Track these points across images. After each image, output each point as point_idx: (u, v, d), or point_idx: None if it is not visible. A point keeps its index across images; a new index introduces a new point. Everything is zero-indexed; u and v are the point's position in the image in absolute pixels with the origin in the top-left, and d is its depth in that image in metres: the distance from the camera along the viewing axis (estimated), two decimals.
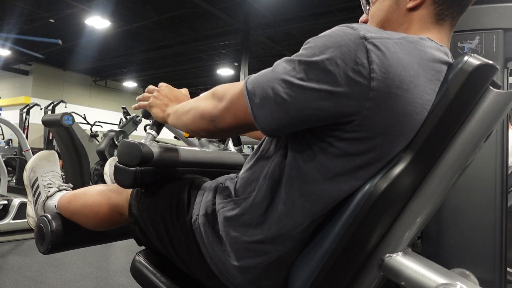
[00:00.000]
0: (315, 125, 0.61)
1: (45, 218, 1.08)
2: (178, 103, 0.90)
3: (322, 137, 0.62)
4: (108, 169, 1.46)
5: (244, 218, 0.70)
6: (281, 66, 0.62)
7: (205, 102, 0.74)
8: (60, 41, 9.50)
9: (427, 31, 0.68)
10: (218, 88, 0.74)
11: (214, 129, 0.71)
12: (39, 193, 1.20)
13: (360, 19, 0.80)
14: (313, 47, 0.60)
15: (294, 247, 0.67)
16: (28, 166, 1.24)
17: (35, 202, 1.21)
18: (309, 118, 0.60)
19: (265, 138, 0.78)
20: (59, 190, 1.20)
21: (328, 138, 0.61)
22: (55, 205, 1.14)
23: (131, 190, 0.94)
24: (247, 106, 0.64)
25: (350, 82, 0.56)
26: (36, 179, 1.22)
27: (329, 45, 0.58)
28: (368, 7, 0.76)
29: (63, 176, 6.61)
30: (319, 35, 0.62)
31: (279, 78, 0.61)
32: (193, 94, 0.88)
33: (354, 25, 0.59)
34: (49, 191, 1.19)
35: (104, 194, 1.01)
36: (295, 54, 0.62)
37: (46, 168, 1.25)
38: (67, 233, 1.08)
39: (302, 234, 0.66)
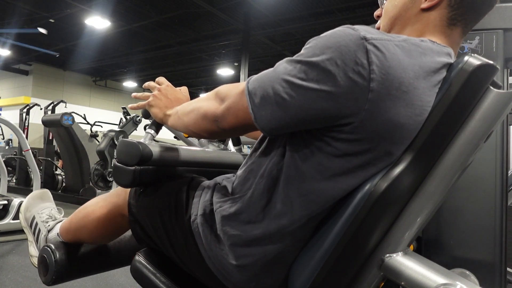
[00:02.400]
0: (314, 127, 0.61)
1: (48, 248, 1.04)
2: (179, 104, 0.90)
3: (320, 137, 0.62)
4: None
5: (242, 216, 0.70)
6: (282, 66, 0.63)
7: (208, 103, 0.74)
8: (57, 54, 9.47)
9: (437, 34, 0.68)
10: (221, 89, 0.74)
11: (216, 129, 0.72)
12: (39, 230, 1.16)
13: (375, 13, 0.80)
14: (313, 47, 0.60)
15: (293, 245, 0.67)
16: (22, 207, 1.21)
17: (37, 241, 1.16)
18: (308, 118, 0.60)
19: (263, 136, 0.77)
20: (59, 222, 1.16)
21: (327, 138, 0.61)
22: (57, 233, 1.11)
23: (129, 190, 0.94)
24: (248, 106, 0.64)
25: (349, 83, 0.56)
26: (33, 218, 1.19)
27: (330, 45, 0.58)
28: (384, 1, 0.76)
29: (63, 176, 6.61)
30: (321, 35, 0.62)
31: (280, 78, 0.61)
32: (193, 94, 0.88)
33: (356, 26, 0.60)
34: (48, 225, 1.15)
35: (102, 199, 1.01)
36: (297, 54, 0.63)
37: (41, 206, 1.23)
38: (72, 262, 1.05)
39: (300, 232, 0.66)
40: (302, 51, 0.62)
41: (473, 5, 0.67)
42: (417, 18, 0.69)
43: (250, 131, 0.70)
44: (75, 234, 1.05)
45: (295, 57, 0.62)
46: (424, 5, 0.68)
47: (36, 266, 1.13)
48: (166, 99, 0.92)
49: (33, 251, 1.19)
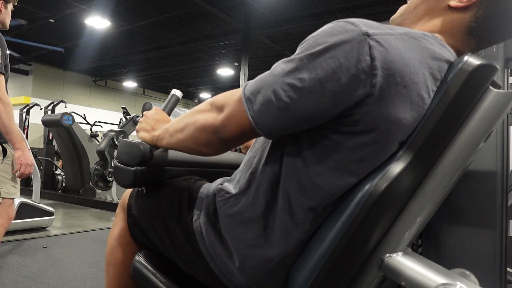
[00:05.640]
0: (318, 123, 0.61)
1: None
2: (166, 123, 0.85)
3: (319, 131, 0.62)
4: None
5: (246, 214, 0.69)
6: (280, 68, 0.61)
7: (204, 115, 0.70)
8: (62, 50, 9.51)
9: (453, 36, 0.68)
10: (217, 98, 0.70)
11: (217, 140, 0.68)
12: None
13: None
14: (313, 45, 0.59)
15: (295, 248, 0.67)
16: None
17: None
18: (312, 118, 0.59)
19: None
20: None
21: (325, 131, 0.61)
22: None
23: (126, 210, 0.95)
24: (247, 113, 0.62)
25: (353, 80, 0.55)
26: None
27: (331, 42, 0.57)
28: None
29: (63, 176, 6.60)
30: (319, 31, 0.61)
31: (280, 81, 0.59)
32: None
33: (355, 21, 0.59)
34: None
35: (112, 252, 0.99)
36: (295, 54, 0.61)
37: None
38: None
39: (303, 235, 0.66)
40: (301, 50, 0.61)
41: (493, 26, 0.67)
42: (441, 13, 0.68)
43: (253, 138, 0.68)
44: None
45: (293, 56, 0.61)
46: (453, 3, 0.67)
47: None
48: (152, 119, 0.89)
49: None
